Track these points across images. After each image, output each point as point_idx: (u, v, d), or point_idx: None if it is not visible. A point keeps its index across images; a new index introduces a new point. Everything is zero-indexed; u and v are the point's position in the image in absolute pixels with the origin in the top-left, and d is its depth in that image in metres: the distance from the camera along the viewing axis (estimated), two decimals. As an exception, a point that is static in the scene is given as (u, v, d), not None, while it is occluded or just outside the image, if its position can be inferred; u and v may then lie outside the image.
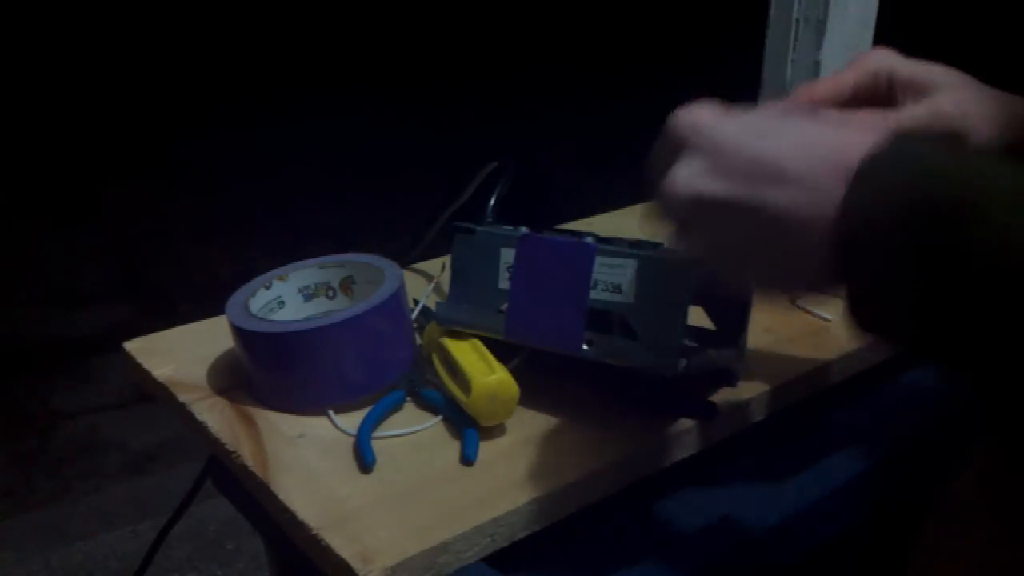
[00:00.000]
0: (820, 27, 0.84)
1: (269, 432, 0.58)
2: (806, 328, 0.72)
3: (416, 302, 0.72)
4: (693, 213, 0.42)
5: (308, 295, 0.68)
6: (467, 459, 0.55)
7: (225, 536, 1.59)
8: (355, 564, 0.47)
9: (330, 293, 0.68)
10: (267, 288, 0.65)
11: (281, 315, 0.66)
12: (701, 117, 0.43)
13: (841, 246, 0.37)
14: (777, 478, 0.62)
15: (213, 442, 0.58)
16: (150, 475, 1.75)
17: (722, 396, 0.61)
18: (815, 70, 0.85)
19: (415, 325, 0.69)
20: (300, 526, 0.50)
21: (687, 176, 0.41)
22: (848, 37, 0.86)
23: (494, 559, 0.51)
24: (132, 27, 3.73)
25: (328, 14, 4.06)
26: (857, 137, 0.38)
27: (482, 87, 3.61)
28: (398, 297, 0.62)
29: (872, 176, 0.37)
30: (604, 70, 3.55)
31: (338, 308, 0.67)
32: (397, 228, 2.72)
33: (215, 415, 0.59)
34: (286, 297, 0.67)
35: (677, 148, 0.42)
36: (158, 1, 3.82)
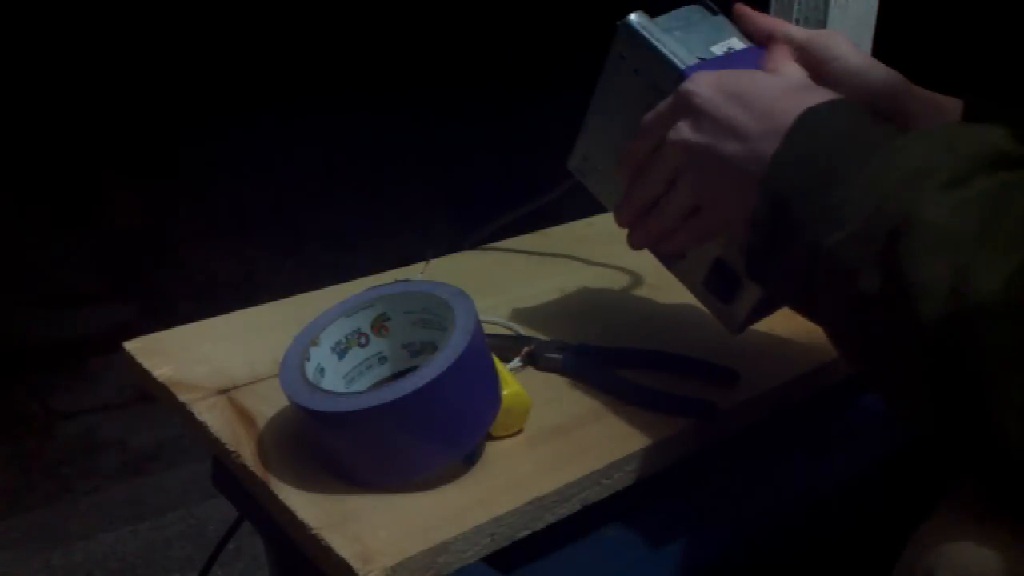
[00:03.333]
0: (820, 27, 0.84)
1: (269, 432, 0.58)
2: (806, 328, 0.72)
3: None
4: (682, 160, 0.54)
5: (341, 351, 0.59)
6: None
7: (225, 536, 1.59)
8: (355, 564, 0.47)
9: (362, 340, 0.60)
10: (308, 360, 0.56)
11: (324, 386, 0.56)
12: (691, 83, 0.54)
13: (759, 196, 0.48)
14: (777, 477, 0.62)
15: (213, 442, 0.58)
16: (150, 475, 1.75)
17: (722, 396, 0.62)
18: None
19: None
20: (300, 526, 0.50)
21: (677, 132, 0.54)
22: (848, 37, 0.86)
23: (494, 559, 0.51)
24: (132, 27, 3.73)
25: (328, 16, 4.06)
26: (801, 103, 0.48)
27: (483, 88, 3.61)
28: (480, 336, 0.54)
29: (793, 141, 0.47)
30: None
31: (372, 354, 0.61)
32: (397, 228, 2.72)
33: (215, 415, 0.59)
34: (324, 363, 0.58)
35: (675, 111, 0.55)
36: (158, 1, 3.82)
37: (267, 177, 3.03)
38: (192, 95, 3.52)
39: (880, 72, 0.59)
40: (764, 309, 0.63)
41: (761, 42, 0.61)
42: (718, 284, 0.62)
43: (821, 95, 0.49)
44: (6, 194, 2.84)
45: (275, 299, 0.76)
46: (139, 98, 3.48)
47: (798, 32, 0.60)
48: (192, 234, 2.70)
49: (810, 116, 0.47)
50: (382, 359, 0.61)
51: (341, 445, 0.52)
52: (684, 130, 0.53)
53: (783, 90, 0.51)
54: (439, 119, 3.47)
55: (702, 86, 0.53)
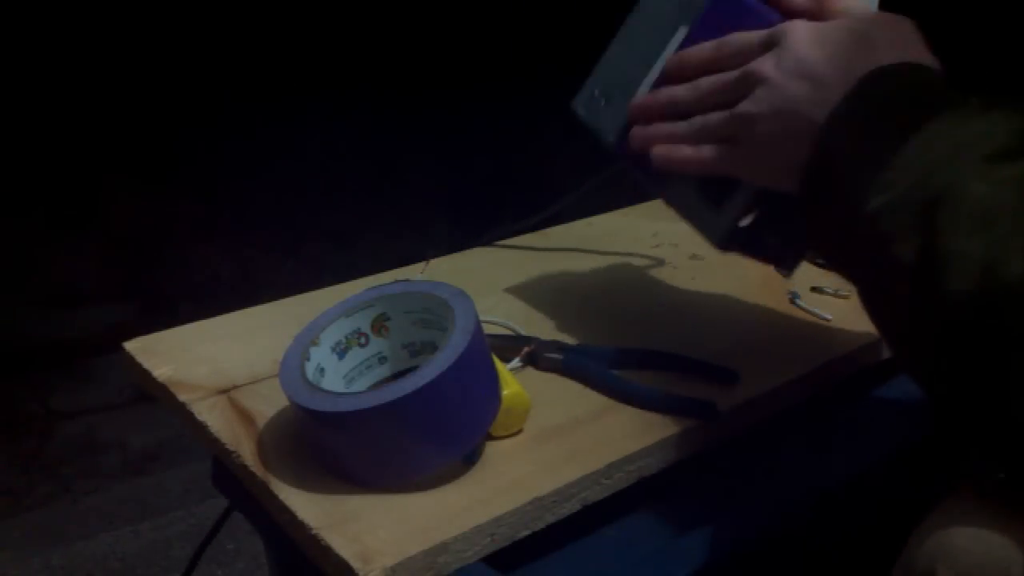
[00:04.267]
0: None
1: (269, 432, 0.58)
2: (806, 328, 0.72)
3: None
4: (751, 89, 0.53)
5: (341, 351, 0.59)
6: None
7: (225, 536, 1.58)
8: (355, 564, 0.47)
9: (362, 340, 0.60)
10: (308, 360, 0.56)
11: (324, 386, 0.56)
12: (788, 25, 0.54)
13: (812, 148, 0.48)
14: (777, 477, 0.62)
15: (213, 442, 0.58)
16: (150, 475, 1.75)
17: (722, 396, 0.61)
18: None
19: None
20: (300, 526, 0.50)
21: (762, 62, 0.53)
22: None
23: (494, 559, 0.51)
24: (132, 27, 3.72)
25: (328, 15, 4.06)
26: (876, 60, 0.48)
27: (483, 87, 3.61)
28: (480, 336, 0.54)
29: (852, 99, 0.48)
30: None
31: (372, 354, 0.61)
32: (397, 228, 2.72)
33: (215, 415, 0.59)
34: (324, 363, 0.58)
35: (766, 44, 0.54)
36: (158, 1, 3.82)
37: (267, 177, 3.03)
38: (192, 95, 3.51)
39: None
40: (756, 241, 0.62)
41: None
42: (710, 187, 0.61)
43: (896, 54, 0.49)
44: (6, 194, 2.84)
45: (275, 299, 0.76)
46: (139, 98, 3.48)
47: None
48: (192, 234, 2.70)
49: (876, 75, 0.48)
50: (382, 359, 0.61)
51: (341, 445, 0.52)
52: (768, 62, 0.53)
53: (866, 44, 0.50)
54: (439, 119, 3.47)
55: (800, 30, 0.53)
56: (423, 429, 0.51)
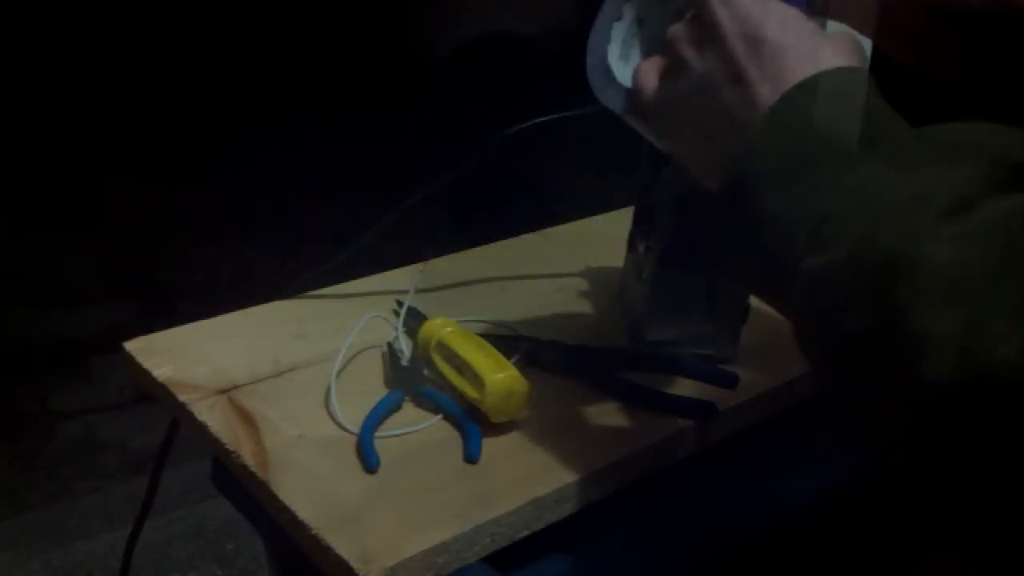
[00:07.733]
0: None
1: (269, 432, 0.58)
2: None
3: (400, 304, 0.71)
4: (678, 64, 0.46)
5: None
6: (471, 457, 0.55)
7: (225, 536, 1.59)
8: (355, 564, 0.47)
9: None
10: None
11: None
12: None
13: (724, 174, 0.41)
14: (777, 477, 0.62)
15: (213, 442, 0.58)
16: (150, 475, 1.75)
17: (722, 396, 0.62)
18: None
19: (403, 328, 0.68)
20: (300, 526, 0.50)
21: (687, 37, 0.46)
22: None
23: (494, 559, 0.51)
24: (132, 27, 3.72)
25: (328, 14, 4.06)
26: (811, 64, 0.41)
27: (484, 87, 3.61)
28: None
29: (776, 115, 0.40)
30: (604, 70, 3.51)
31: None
32: (397, 228, 2.72)
33: (215, 415, 0.59)
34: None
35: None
36: (158, 1, 3.81)
37: (267, 177, 3.03)
38: (192, 95, 3.51)
39: None
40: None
41: None
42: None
43: (834, 58, 0.42)
44: (6, 193, 2.83)
45: (275, 299, 0.76)
46: (139, 98, 3.47)
47: None
48: (192, 234, 2.70)
49: (808, 85, 0.40)
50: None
51: None
52: (690, 38, 0.46)
53: (799, 39, 0.43)
54: (441, 118, 3.47)
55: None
56: None
